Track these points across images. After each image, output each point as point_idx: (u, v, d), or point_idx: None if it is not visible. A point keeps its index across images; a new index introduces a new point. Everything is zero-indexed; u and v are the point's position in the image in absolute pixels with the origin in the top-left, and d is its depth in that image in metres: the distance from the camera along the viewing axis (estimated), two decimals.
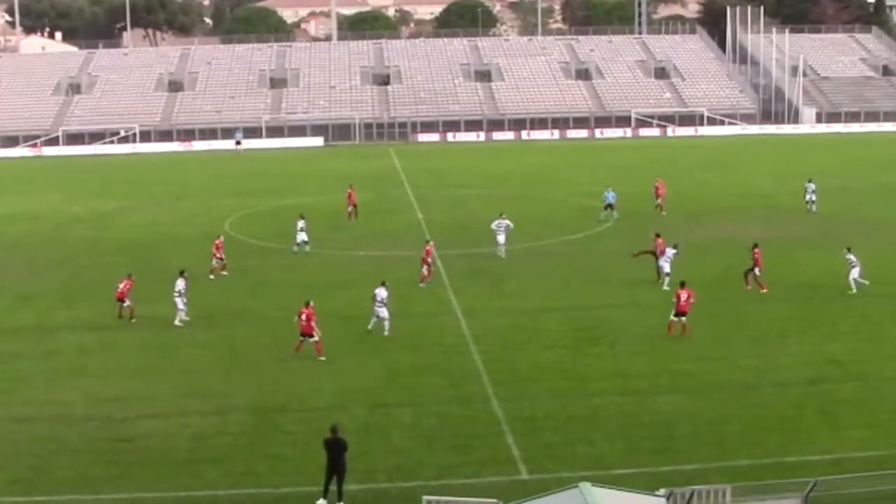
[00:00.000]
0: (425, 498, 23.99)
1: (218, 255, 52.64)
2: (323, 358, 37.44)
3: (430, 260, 50.21)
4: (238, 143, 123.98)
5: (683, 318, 39.26)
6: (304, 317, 38.02)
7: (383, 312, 40.58)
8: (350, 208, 68.49)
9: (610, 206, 65.92)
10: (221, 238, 54.32)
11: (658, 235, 50.05)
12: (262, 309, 45.30)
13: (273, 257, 56.78)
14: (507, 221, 55.59)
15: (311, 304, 38.44)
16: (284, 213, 68.31)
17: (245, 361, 37.82)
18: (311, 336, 37.95)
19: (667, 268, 47.23)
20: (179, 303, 43.29)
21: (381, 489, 27.08)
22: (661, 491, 23.31)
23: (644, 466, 27.61)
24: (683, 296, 39.31)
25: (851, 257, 46.41)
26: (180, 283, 43.47)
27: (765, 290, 46.00)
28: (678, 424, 30.71)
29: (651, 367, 36.00)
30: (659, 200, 67.37)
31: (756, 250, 47.16)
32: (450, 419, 31.60)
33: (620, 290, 46.68)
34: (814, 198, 67.51)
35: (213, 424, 31.44)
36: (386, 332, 40.36)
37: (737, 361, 36.41)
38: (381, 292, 40.76)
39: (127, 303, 44.10)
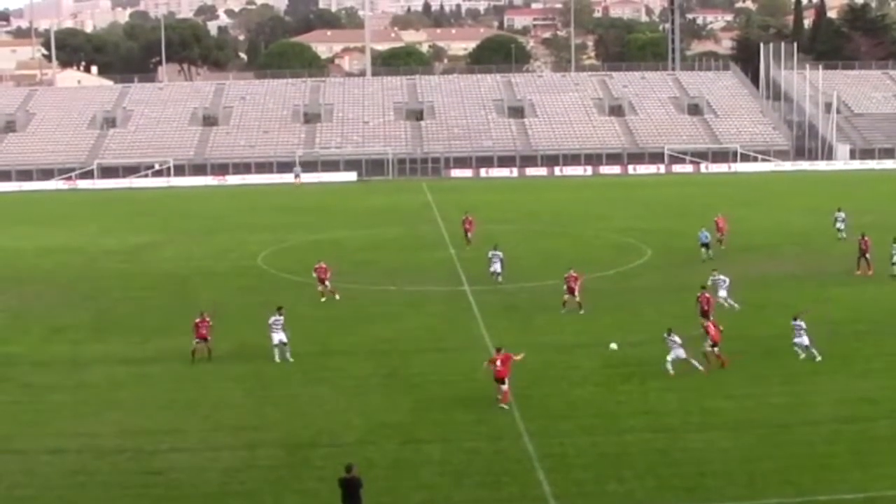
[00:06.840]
0: None
1: (324, 279, 54.38)
2: (505, 406, 35.39)
3: (574, 286, 50.39)
4: (297, 176, 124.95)
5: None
6: (498, 362, 35.65)
7: (804, 340, 40.52)
8: (469, 235, 70.40)
9: (705, 245, 64.93)
10: (322, 263, 55.35)
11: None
12: (293, 343, 45.28)
13: (304, 291, 56.80)
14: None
15: (503, 349, 36.43)
16: (316, 248, 68.45)
17: (275, 396, 37.81)
18: (503, 382, 35.53)
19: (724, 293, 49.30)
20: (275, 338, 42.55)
21: None
22: None
23: None
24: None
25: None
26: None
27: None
28: (709, 462, 30.49)
29: (682, 404, 35.80)
30: (719, 235, 66.92)
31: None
32: (480, 455, 31.46)
33: (651, 327, 46.35)
34: (842, 226, 69.50)
35: (242, 458, 31.43)
36: (802, 355, 40.37)
37: (768, 399, 36.14)
38: (800, 323, 40.73)
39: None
